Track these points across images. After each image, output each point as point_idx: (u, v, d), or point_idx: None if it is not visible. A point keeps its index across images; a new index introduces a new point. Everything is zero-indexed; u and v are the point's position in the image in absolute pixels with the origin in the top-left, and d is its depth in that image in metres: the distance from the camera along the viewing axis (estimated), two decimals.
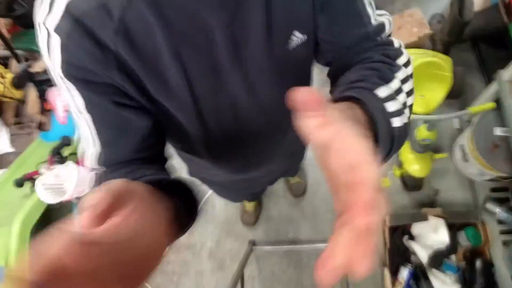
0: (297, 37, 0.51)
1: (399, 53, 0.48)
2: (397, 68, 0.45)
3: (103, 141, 0.50)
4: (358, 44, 0.50)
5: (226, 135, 0.61)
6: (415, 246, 1.49)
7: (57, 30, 0.40)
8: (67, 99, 0.47)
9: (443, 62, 1.38)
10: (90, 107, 0.47)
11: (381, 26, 0.50)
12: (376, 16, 0.50)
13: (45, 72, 1.81)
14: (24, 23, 2.02)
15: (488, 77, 1.65)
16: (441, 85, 1.44)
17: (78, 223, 0.25)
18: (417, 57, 1.39)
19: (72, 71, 0.43)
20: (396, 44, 0.50)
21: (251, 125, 0.62)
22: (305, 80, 0.61)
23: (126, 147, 0.50)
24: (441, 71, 1.41)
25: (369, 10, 0.50)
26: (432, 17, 1.85)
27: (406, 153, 1.57)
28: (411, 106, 0.45)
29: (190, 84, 0.49)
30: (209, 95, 0.52)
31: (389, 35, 0.52)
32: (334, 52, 0.52)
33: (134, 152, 0.50)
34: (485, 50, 1.69)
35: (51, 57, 0.42)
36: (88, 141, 0.51)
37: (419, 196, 1.70)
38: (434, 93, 1.45)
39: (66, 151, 1.55)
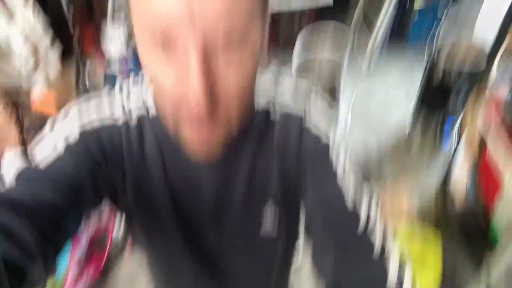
0: (271, 207, 0.61)
1: (369, 232, 0.47)
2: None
3: (39, 175, 0.47)
4: (328, 206, 0.51)
5: (187, 263, 0.69)
6: None
7: (137, 115, 0.56)
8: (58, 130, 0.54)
9: (432, 254, 1.49)
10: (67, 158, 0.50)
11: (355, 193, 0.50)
12: (354, 183, 0.51)
13: None
14: None
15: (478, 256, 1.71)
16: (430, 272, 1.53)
17: None
18: (405, 238, 1.51)
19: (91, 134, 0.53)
20: (363, 216, 0.49)
21: (214, 270, 0.70)
22: (272, 249, 0.69)
23: (47, 199, 0.45)
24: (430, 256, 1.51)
25: (349, 176, 0.51)
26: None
27: None
28: None
29: (175, 208, 0.60)
30: (189, 225, 0.63)
31: (363, 202, 0.50)
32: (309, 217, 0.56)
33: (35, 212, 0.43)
34: (474, 233, 1.80)
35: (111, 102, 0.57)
36: (42, 151, 0.50)
37: None
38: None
39: None
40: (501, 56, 1.67)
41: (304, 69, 2.35)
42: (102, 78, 2.58)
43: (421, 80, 2.29)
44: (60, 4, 2.39)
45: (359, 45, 3.02)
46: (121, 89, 0.59)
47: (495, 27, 1.68)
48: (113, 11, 2.61)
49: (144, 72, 0.47)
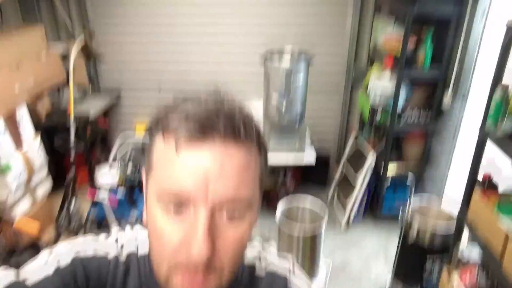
0: None
1: None
2: None
3: None
4: None
5: None
6: None
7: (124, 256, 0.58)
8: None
9: None
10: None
11: None
12: None
13: None
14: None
15: None
16: None
17: None
18: None
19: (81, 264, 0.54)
20: None
21: None
22: None
23: None
24: None
25: None
26: None
27: None
28: None
29: None
30: None
31: None
32: None
33: None
34: None
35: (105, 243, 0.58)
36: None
37: None
38: None
39: None
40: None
41: (287, 215, 2.45)
42: (88, 206, 2.65)
43: (397, 243, 2.37)
44: (65, 147, 2.69)
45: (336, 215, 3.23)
46: (118, 229, 0.63)
47: (461, 196, 1.89)
48: (114, 157, 2.90)
49: (146, 222, 0.52)
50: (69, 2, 3.45)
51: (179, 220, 0.46)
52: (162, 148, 0.48)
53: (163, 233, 0.47)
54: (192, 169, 0.45)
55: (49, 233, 2.77)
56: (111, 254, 0.58)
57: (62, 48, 3.26)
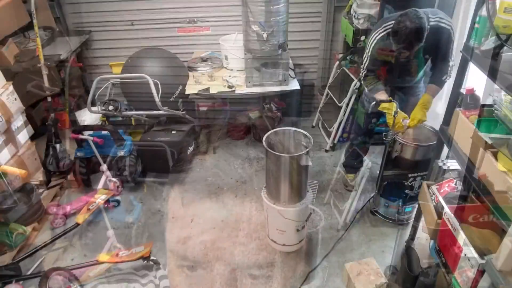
0: None
1: None
2: None
3: None
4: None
5: None
6: None
7: None
8: None
9: None
10: None
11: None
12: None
13: None
14: None
15: None
16: None
17: None
18: None
19: None
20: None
21: None
22: None
23: None
24: None
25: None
26: (387, 268, 2.09)
27: None
28: None
29: None
30: None
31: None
32: None
33: None
34: None
35: None
36: None
37: None
38: None
39: None
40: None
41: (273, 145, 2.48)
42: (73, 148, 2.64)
43: (382, 159, 2.46)
44: (39, 93, 2.60)
45: None
46: None
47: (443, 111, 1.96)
48: (93, 99, 2.81)
49: None
50: None
51: None
52: None
53: None
54: None
55: (39, 176, 2.79)
56: None
57: None
